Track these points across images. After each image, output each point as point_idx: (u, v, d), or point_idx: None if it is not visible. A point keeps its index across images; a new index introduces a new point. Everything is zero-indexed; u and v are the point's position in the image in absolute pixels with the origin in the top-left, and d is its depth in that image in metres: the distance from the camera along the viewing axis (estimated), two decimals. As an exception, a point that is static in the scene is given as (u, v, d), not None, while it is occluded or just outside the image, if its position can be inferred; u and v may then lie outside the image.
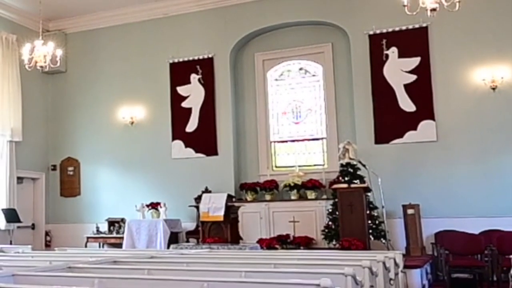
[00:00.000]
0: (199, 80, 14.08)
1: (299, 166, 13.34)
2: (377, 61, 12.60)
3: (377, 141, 12.44)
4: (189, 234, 13.30)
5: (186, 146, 14.02)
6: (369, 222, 10.97)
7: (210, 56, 14.03)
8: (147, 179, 14.28)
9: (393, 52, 12.51)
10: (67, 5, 14.47)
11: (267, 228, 12.69)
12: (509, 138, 11.51)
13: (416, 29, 12.29)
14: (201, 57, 14.09)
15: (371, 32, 12.68)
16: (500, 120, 11.60)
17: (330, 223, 11.41)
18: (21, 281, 4.59)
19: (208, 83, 13.99)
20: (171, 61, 14.37)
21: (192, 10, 14.25)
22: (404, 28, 12.38)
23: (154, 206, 13.31)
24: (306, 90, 13.80)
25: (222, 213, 11.03)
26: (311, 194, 12.74)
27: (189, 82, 14.16)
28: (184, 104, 14.14)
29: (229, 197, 11.64)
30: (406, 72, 12.38)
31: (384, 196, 11.33)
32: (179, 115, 14.16)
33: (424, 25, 12.13)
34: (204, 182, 13.35)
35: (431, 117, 12.09)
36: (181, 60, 14.28)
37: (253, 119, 13.97)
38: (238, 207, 11.85)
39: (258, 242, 11.51)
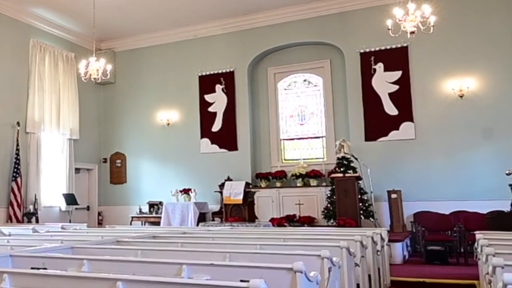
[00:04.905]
0: (222, 89, 14.07)
1: (304, 159, 13.30)
2: (367, 74, 12.54)
3: (367, 139, 12.38)
4: (215, 214, 13.30)
5: (212, 143, 14.01)
6: (360, 204, 10.93)
7: (231, 70, 14.01)
8: (180, 170, 14.30)
9: (379, 67, 12.44)
10: (116, 28, 14.52)
11: (278, 210, 12.66)
12: (473, 136, 11.46)
13: (398, 48, 12.21)
14: (224, 71, 14.08)
15: (362, 51, 12.61)
16: (466, 122, 11.54)
17: (328, 205, 11.38)
18: (78, 253, 4.63)
19: (230, 92, 13.98)
20: (199, 74, 14.35)
21: (217, 32, 14.24)
22: (388, 47, 12.29)
23: (186, 191, 13.32)
24: (309, 98, 13.73)
25: (241, 197, 11.09)
26: (313, 182, 12.69)
27: (214, 91, 14.15)
28: (210, 109, 14.14)
29: (247, 184, 11.71)
30: (390, 83, 12.31)
31: (372, 183, 11.29)
32: (206, 118, 14.16)
33: (405, 45, 12.04)
34: (226, 172, 13.37)
35: (411, 119, 12.02)
36: (208, 73, 14.27)
37: (266, 121, 13.94)
38: (254, 192, 11.89)
39: (270, 220, 11.49)
